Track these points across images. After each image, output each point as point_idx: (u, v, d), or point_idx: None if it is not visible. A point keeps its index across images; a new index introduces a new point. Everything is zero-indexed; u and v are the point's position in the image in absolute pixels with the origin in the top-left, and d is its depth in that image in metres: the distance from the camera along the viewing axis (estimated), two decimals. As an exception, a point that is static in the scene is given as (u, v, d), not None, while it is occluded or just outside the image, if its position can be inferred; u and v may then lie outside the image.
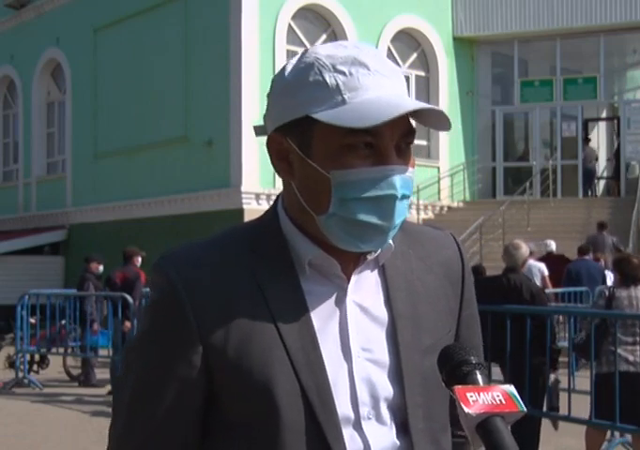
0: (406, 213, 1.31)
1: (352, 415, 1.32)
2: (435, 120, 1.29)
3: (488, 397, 1.09)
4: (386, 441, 1.33)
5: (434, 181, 19.15)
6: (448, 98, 19.56)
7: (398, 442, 1.34)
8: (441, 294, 1.44)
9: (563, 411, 6.35)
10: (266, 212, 1.42)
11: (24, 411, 9.23)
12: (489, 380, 1.15)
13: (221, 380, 1.31)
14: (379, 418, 1.33)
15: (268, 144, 1.34)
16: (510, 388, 1.11)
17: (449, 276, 1.47)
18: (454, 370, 1.16)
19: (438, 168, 19.35)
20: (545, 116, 20.98)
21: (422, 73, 19.51)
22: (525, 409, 1.10)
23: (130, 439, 1.35)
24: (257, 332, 1.30)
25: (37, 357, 11.94)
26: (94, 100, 19.55)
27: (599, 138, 22.27)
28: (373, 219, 1.27)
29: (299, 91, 1.28)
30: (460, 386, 1.12)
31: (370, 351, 1.34)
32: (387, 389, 1.34)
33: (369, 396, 1.33)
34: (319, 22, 17.62)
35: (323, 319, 1.33)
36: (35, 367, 11.78)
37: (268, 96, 1.35)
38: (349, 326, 1.34)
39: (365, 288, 1.38)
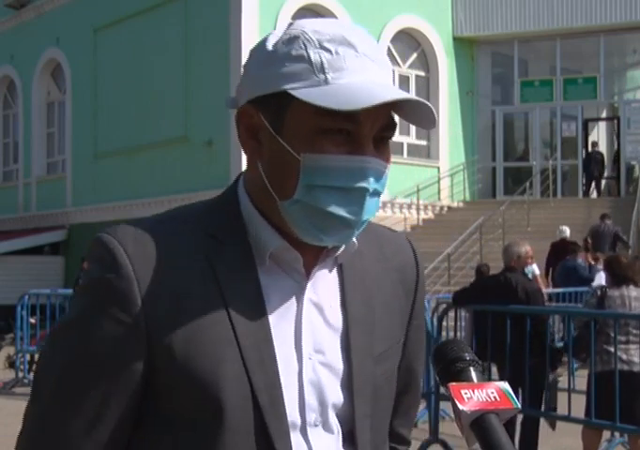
0: (375, 211, 1.22)
1: (298, 420, 1.23)
2: (420, 116, 1.20)
3: (482, 394, 1.08)
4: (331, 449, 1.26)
5: (434, 181, 19.15)
6: (448, 98, 19.56)
7: None
8: (395, 301, 1.36)
9: (563, 411, 6.35)
10: (225, 192, 1.31)
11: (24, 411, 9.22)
12: (488, 377, 1.14)
13: (165, 371, 1.19)
14: (326, 425, 1.26)
15: (238, 117, 1.24)
16: (505, 385, 1.10)
17: (403, 283, 1.39)
18: (448, 367, 1.14)
19: (438, 168, 19.35)
20: (545, 116, 20.99)
21: (422, 73, 19.50)
22: (519, 406, 1.09)
23: (52, 427, 1.22)
24: (209, 324, 1.19)
25: (37, 357, 11.94)
26: (94, 100, 19.55)
27: (599, 138, 22.26)
28: (340, 211, 1.17)
29: (280, 63, 1.18)
30: (454, 383, 1.11)
31: (322, 353, 1.26)
32: (336, 395, 1.26)
33: (317, 401, 1.25)
34: (319, 22, 17.61)
35: (278, 316, 1.23)
36: (35, 367, 11.76)
37: (245, 66, 1.25)
38: (303, 326, 1.25)
39: (322, 287, 1.29)
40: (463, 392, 1.08)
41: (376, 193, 1.21)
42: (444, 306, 7.84)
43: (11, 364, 11.53)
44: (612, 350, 5.85)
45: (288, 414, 1.21)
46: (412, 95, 1.17)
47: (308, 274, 1.27)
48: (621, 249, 14.32)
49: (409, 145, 19.15)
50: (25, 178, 21.94)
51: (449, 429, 6.67)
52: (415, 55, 19.40)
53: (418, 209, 18.25)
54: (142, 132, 18.08)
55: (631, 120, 20.60)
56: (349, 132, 1.17)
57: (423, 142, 19.35)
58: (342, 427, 1.27)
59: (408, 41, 19.18)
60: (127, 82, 18.48)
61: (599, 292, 6.25)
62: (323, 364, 1.26)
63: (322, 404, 1.25)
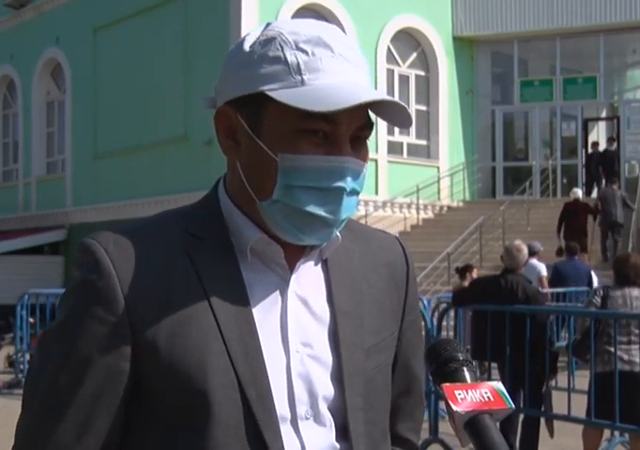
0: (354, 209, 1.24)
1: (288, 414, 1.23)
2: (396, 115, 1.22)
3: (476, 394, 1.08)
4: (323, 443, 1.25)
5: (434, 181, 19.15)
6: (448, 98, 19.56)
7: (337, 445, 1.26)
8: (385, 295, 1.37)
9: (563, 410, 6.34)
10: (206, 195, 1.34)
11: (24, 410, 9.23)
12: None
13: (151, 366, 1.19)
14: (317, 418, 1.25)
15: (217, 118, 1.26)
16: (498, 385, 1.10)
17: (393, 277, 1.39)
18: (441, 367, 1.13)
19: (438, 168, 19.35)
20: (545, 116, 20.98)
21: (422, 73, 19.50)
22: (513, 405, 1.08)
23: (43, 431, 1.21)
24: (192, 319, 1.20)
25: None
26: (94, 100, 19.55)
27: (599, 138, 22.25)
28: (318, 211, 1.19)
29: (257, 65, 1.20)
30: (448, 384, 1.10)
31: (309, 346, 1.26)
32: (326, 388, 1.26)
33: (307, 394, 1.25)
34: (319, 22, 17.61)
35: (262, 309, 1.24)
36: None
37: (223, 66, 1.25)
38: (289, 319, 1.25)
39: (307, 281, 1.30)
40: (456, 393, 1.08)
41: (354, 192, 1.22)
42: (444, 305, 7.84)
43: (11, 364, 11.52)
44: (612, 350, 5.81)
45: (278, 408, 1.21)
46: (386, 95, 1.18)
47: (292, 268, 1.28)
48: (627, 213, 15.64)
49: (409, 145, 19.15)
50: (25, 178, 21.93)
51: (448, 429, 6.63)
52: (415, 55, 19.39)
53: (417, 209, 18.25)
54: (142, 132, 18.07)
55: (631, 120, 20.60)
56: (326, 133, 1.19)
57: (423, 142, 19.34)
58: (334, 419, 1.27)
59: (408, 41, 19.17)
60: (127, 82, 18.47)
61: (601, 292, 6.20)
62: (311, 357, 1.26)
63: (312, 397, 1.25)
